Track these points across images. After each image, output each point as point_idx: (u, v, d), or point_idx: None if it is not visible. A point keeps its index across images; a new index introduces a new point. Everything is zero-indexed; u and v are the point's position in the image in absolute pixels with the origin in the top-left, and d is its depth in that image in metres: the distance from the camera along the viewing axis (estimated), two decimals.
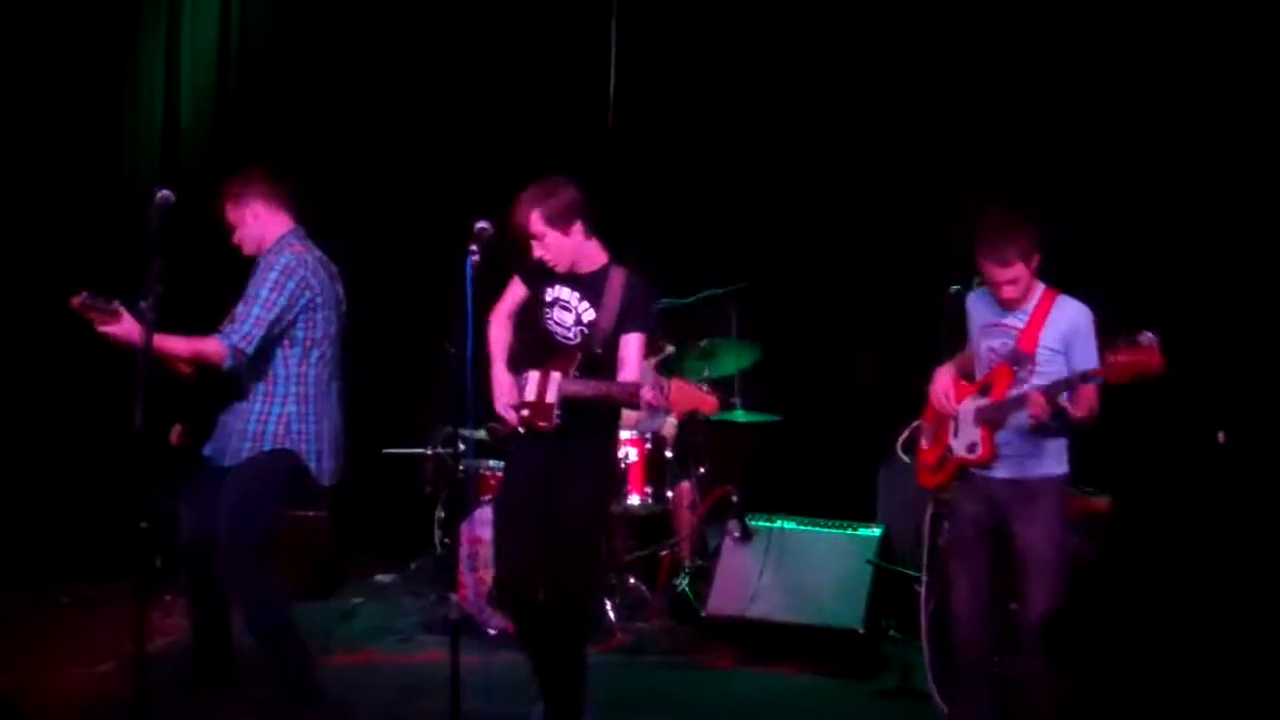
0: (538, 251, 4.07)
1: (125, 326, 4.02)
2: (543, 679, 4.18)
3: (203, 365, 4.22)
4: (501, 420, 4.18)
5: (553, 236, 4.04)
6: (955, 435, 4.19)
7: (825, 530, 5.60)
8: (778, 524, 5.66)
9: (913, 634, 5.22)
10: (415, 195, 7.09)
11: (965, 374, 4.28)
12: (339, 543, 6.48)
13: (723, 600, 5.52)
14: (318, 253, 4.39)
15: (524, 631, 4.23)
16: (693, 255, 6.90)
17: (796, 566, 5.50)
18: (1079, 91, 6.17)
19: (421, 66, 7.07)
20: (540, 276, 4.18)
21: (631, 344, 4.09)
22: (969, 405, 4.15)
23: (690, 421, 6.24)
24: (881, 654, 5.32)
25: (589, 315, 4.12)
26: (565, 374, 4.06)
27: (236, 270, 4.42)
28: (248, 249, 4.41)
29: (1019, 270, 3.99)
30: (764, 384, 6.18)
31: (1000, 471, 4.09)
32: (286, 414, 4.29)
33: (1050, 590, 3.99)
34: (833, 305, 6.94)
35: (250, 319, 4.18)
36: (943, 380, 4.26)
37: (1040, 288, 4.08)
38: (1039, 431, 4.00)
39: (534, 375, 4.11)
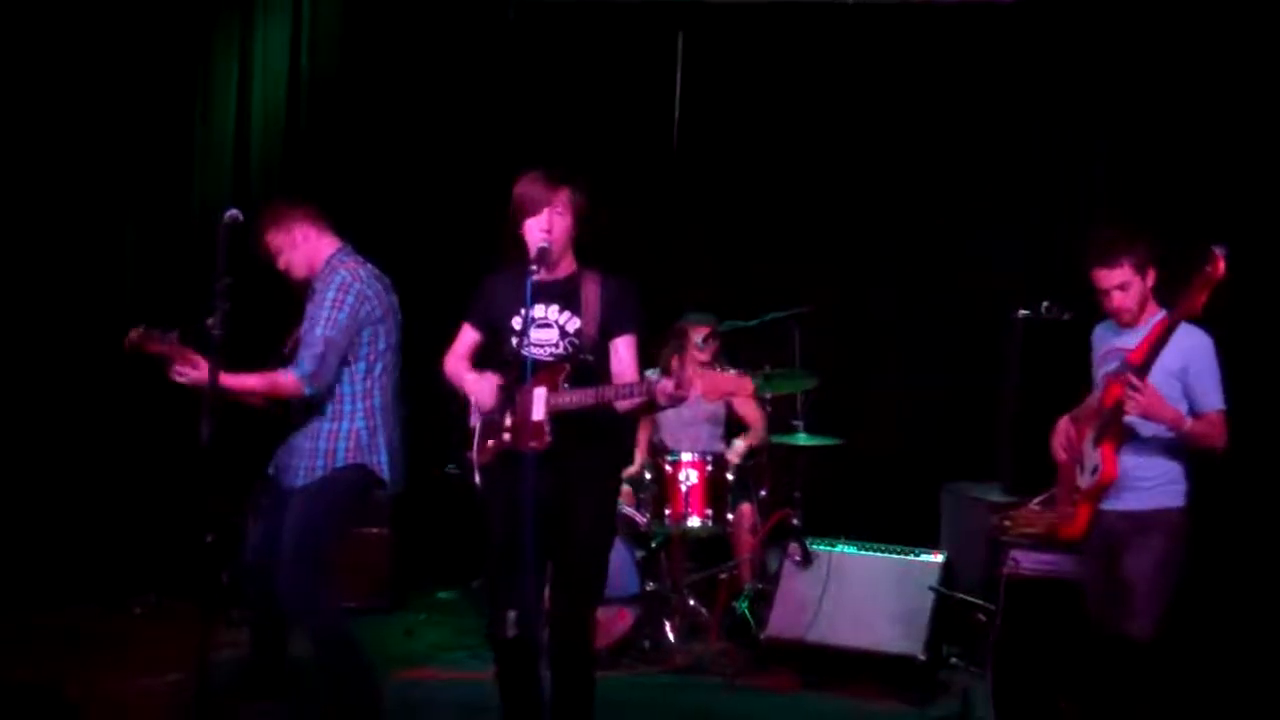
0: (545, 226, 3.83)
1: (198, 372, 4.06)
2: (555, 712, 3.91)
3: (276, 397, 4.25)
4: (480, 448, 3.91)
5: (562, 215, 3.86)
6: (1082, 473, 4.06)
7: (887, 555, 5.56)
8: (839, 548, 5.63)
9: (974, 661, 5.17)
10: (478, 215, 7.17)
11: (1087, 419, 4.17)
12: (401, 559, 6.53)
13: (782, 624, 5.50)
14: (370, 267, 4.40)
15: (517, 668, 3.94)
16: (756, 278, 6.91)
17: (857, 591, 5.46)
18: (1148, 105, 6.11)
19: (487, 91, 7.14)
20: (502, 307, 3.94)
21: (623, 346, 3.91)
22: (1089, 436, 4.04)
23: (757, 448, 6.23)
24: (942, 681, 5.26)
25: (573, 325, 3.90)
26: (553, 387, 3.81)
27: (300, 293, 4.44)
28: (298, 272, 4.41)
29: (1127, 273, 3.91)
30: (826, 407, 6.14)
31: (1117, 504, 4.00)
32: (357, 429, 4.29)
33: (1148, 623, 3.90)
34: (896, 329, 6.89)
35: (318, 341, 4.19)
36: (1061, 430, 4.17)
37: (1161, 310, 3.98)
38: (1160, 456, 3.94)
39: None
